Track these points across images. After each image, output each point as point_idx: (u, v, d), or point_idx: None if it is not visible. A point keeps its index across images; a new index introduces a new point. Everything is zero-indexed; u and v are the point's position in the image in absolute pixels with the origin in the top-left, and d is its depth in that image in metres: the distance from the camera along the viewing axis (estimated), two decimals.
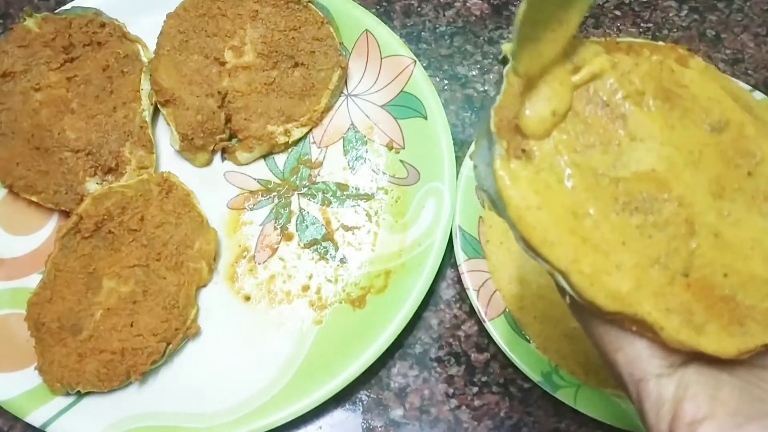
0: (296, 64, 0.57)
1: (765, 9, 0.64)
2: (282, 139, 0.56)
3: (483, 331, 0.51)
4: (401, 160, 0.56)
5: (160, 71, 0.55)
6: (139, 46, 0.58)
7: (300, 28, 0.57)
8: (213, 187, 0.56)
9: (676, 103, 0.30)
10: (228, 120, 0.56)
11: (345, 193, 0.56)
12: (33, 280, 0.52)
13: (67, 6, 0.59)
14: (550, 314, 0.50)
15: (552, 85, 0.29)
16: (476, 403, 0.50)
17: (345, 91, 0.59)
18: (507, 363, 0.50)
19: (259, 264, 0.53)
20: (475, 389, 0.50)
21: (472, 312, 0.52)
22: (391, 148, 0.56)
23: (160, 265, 0.51)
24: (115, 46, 0.57)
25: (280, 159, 0.57)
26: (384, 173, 0.56)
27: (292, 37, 0.57)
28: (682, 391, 0.27)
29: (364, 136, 0.57)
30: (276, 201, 0.56)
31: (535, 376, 0.48)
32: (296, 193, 0.56)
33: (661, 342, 0.27)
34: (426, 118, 0.56)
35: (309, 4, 0.58)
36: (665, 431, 0.27)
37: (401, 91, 0.57)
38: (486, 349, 0.51)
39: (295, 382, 0.49)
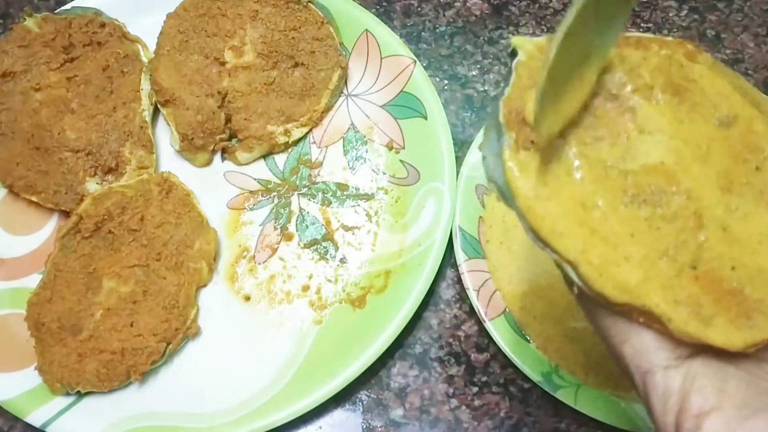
0: (296, 64, 0.57)
1: (765, 9, 0.64)
2: (282, 139, 0.56)
3: (483, 331, 0.51)
4: (401, 160, 0.56)
5: (160, 71, 0.55)
6: (139, 46, 0.58)
7: (300, 28, 0.57)
8: (213, 187, 0.56)
9: (684, 98, 0.30)
10: (228, 120, 0.56)
11: (345, 193, 0.56)
12: (33, 280, 0.52)
13: (67, 6, 0.59)
14: (550, 314, 0.50)
15: None
16: (476, 403, 0.50)
17: (345, 91, 0.59)
18: (507, 363, 0.50)
19: (259, 264, 0.53)
20: (475, 389, 0.50)
21: (472, 312, 0.52)
22: (391, 148, 0.56)
23: (160, 265, 0.51)
24: (115, 46, 0.57)
25: (280, 159, 0.57)
26: (384, 173, 0.56)
27: (292, 37, 0.57)
28: (689, 384, 0.27)
29: (364, 136, 0.57)
30: (276, 201, 0.56)
31: (535, 376, 0.48)
32: (296, 193, 0.56)
33: (669, 334, 0.27)
34: (426, 118, 0.56)
35: (309, 4, 0.58)
36: (672, 423, 0.27)
37: (401, 91, 0.57)
38: (486, 349, 0.51)
39: (295, 382, 0.49)
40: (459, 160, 0.54)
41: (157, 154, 0.57)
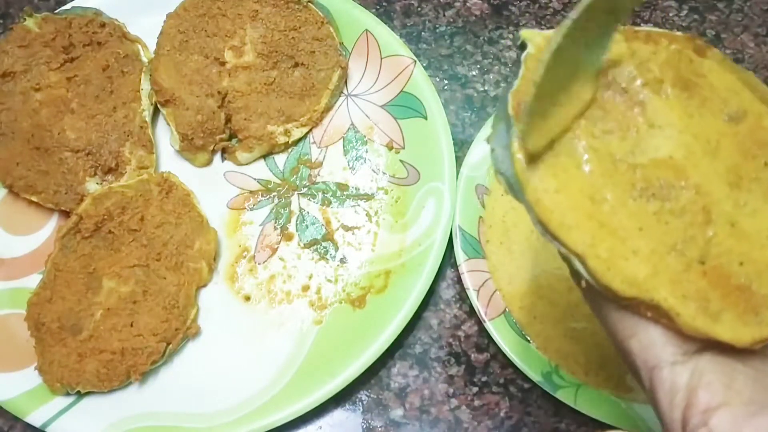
0: (296, 64, 0.57)
1: (765, 9, 0.64)
2: (282, 139, 0.56)
3: (483, 331, 0.51)
4: (401, 160, 0.56)
5: (160, 71, 0.55)
6: (139, 46, 0.58)
7: (300, 28, 0.57)
8: (213, 187, 0.56)
9: (694, 92, 0.30)
10: (228, 120, 0.56)
11: (345, 193, 0.56)
12: (33, 280, 0.52)
13: (67, 6, 0.59)
14: (550, 314, 0.50)
15: None
16: (476, 403, 0.50)
17: (345, 91, 0.59)
18: (507, 363, 0.50)
19: (259, 264, 0.53)
20: (475, 389, 0.50)
21: (472, 312, 0.52)
22: (391, 148, 0.56)
23: (160, 265, 0.51)
24: (115, 46, 0.57)
25: (280, 159, 0.57)
26: (384, 173, 0.56)
27: (292, 37, 0.57)
28: (696, 379, 0.27)
29: (364, 136, 0.57)
30: (276, 201, 0.56)
31: (535, 376, 0.48)
32: (296, 193, 0.56)
33: (676, 329, 0.27)
34: (426, 118, 0.55)
35: (309, 4, 0.58)
36: (679, 419, 0.26)
37: (401, 91, 0.57)
38: (486, 349, 0.51)
39: (295, 382, 0.49)
40: (459, 160, 0.54)
41: (157, 154, 0.57)
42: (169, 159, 0.57)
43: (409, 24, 0.63)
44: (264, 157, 0.57)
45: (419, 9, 0.64)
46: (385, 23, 0.59)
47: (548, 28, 0.63)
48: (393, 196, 0.55)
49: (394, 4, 0.64)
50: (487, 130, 0.55)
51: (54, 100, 0.55)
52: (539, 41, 0.30)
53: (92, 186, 0.53)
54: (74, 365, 0.48)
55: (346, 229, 0.54)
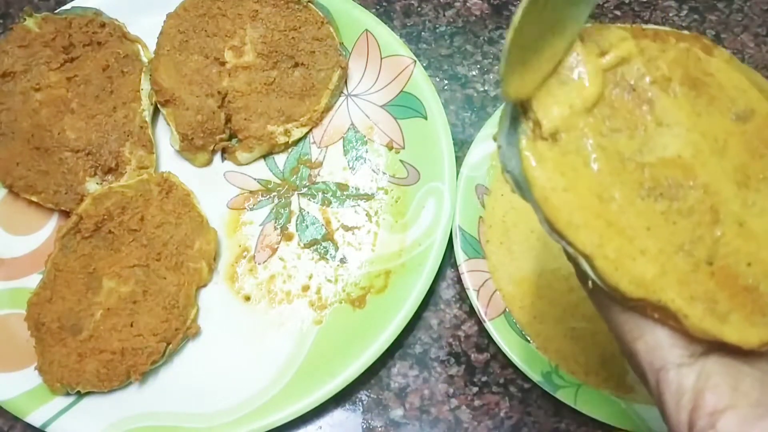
0: (296, 64, 0.57)
1: (765, 9, 0.64)
2: (282, 139, 0.56)
3: (483, 331, 0.51)
4: (401, 160, 0.56)
5: (160, 71, 0.55)
6: (139, 46, 0.58)
7: (300, 28, 0.57)
8: (213, 187, 0.56)
9: (702, 91, 0.30)
10: (228, 120, 0.56)
11: (345, 193, 0.56)
12: (33, 280, 0.52)
13: (67, 6, 0.59)
14: (550, 314, 0.50)
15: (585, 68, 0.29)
16: (476, 403, 0.50)
17: (345, 91, 0.59)
18: (507, 363, 0.50)
19: (259, 264, 0.53)
20: (475, 389, 0.50)
21: (472, 312, 0.52)
22: (391, 148, 0.56)
23: (160, 265, 0.51)
24: (115, 46, 0.57)
25: (280, 159, 0.57)
26: (384, 173, 0.56)
27: (292, 37, 0.57)
28: (703, 381, 0.26)
29: (364, 136, 0.57)
30: (276, 201, 0.56)
31: (535, 376, 0.48)
32: (296, 193, 0.56)
33: (683, 330, 0.27)
34: (426, 118, 0.55)
35: (309, 4, 0.58)
36: (685, 421, 0.26)
37: (401, 91, 0.57)
38: (486, 349, 0.51)
39: (295, 382, 0.49)
40: (459, 160, 0.54)
41: (157, 154, 0.57)
42: (169, 159, 0.57)
43: (409, 24, 0.63)
44: (264, 157, 0.57)
45: (419, 9, 0.64)
46: (385, 23, 0.59)
47: None
48: (393, 196, 0.55)
49: (394, 4, 0.64)
50: (487, 130, 0.55)
51: (54, 100, 0.55)
52: None
53: (92, 186, 0.53)
54: (74, 365, 0.48)
55: (346, 229, 0.54)
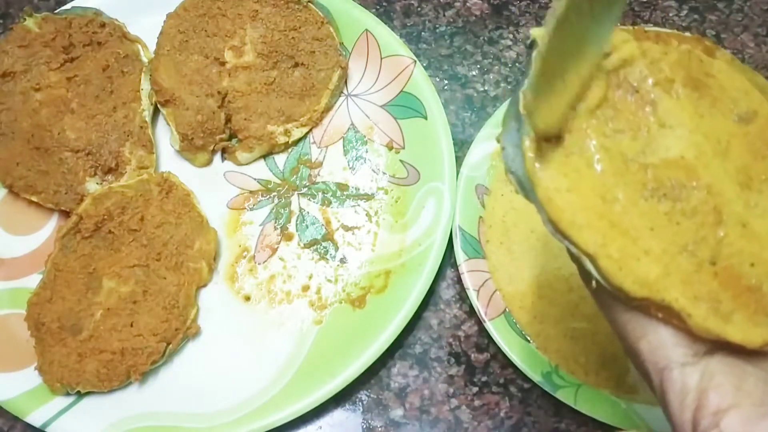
0: (296, 64, 0.57)
1: (765, 9, 0.64)
2: (282, 139, 0.56)
3: (483, 331, 0.51)
4: (401, 160, 0.56)
5: (160, 71, 0.55)
6: (139, 46, 0.58)
7: (300, 28, 0.57)
8: (213, 187, 0.56)
9: (704, 93, 0.30)
10: (228, 120, 0.56)
11: (345, 193, 0.56)
12: (33, 280, 0.52)
13: (67, 6, 0.59)
14: (550, 314, 0.50)
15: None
16: (476, 403, 0.50)
17: (345, 91, 0.59)
18: (507, 363, 0.50)
19: (259, 264, 0.53)
20: (475, 389, 0.50)
21: (472, 312, 0.52)
22: (391, 148, 0.56)
23: (160, 265, 0.51)
24: (115, 46, 0.57)
25: (280, 159, 0.57)
26: (384, 173, 0.56)
27: (292, 37, 0.57)
28: (706, 381, 0.26)
29: (364, 136, 0.57)
30: (276, 201, 0.56)
31: (535, 376, 0.48)
32: (296, 193, 0.56)
33: (687, 330, 0.27)
34: (426, 118, 0.55)
35: (309, 4, 0.58)
36: (689, 420, 0.26)
37: (401, 91, 0.57)
38: (486, 349, 0.51)
39: (295, 382, 0.49)
40: (459, 160, 0.54)
41: (157, 154, 0.57)
42: (169, 159, 0.57)
43: (409, 24, 0.63)
44: (264, 157, 0.57)
45: (419, 9, 0.64)
46: (385, 23, 0.59)
47: None
48: (393, 196, 0.55)
49: (394, 4, 0.64)
50: (487, 130, 0.55)
51: (54, 100, 0.55)
52: None
53: (92, 186, 0.53)
54: (74, 365, 0.48)
55: (346, 229, 0.54)
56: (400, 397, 0.50)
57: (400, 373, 0.51)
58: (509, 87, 0.60)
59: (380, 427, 0.49)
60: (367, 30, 0.58)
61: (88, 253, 0.51)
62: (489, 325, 0.49)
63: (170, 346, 0.49)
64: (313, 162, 0.57)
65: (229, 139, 0.57)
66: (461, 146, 0.57)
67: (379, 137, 0.57)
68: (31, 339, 0.49)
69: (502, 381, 0.50)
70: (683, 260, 0.28)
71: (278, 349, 0.51)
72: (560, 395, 0.47)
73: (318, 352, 0.50)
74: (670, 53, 0.30)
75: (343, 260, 0.53)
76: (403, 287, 0.51)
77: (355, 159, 0.57)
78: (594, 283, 0.29)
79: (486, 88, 0.60)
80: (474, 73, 0.61)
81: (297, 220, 0.55)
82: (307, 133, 0.57)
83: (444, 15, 0.64)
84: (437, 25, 0.63)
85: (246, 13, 0.57)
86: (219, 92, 0.56)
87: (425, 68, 0.59)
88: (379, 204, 0.55)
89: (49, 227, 0.54)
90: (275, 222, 0.55)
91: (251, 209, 0.55)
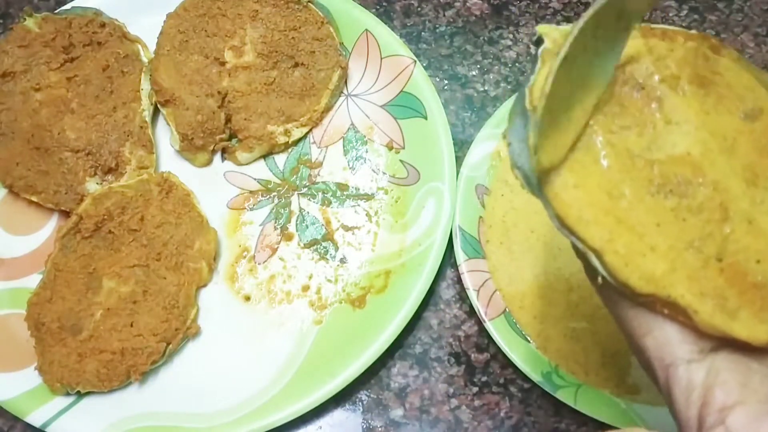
0: (296, 64, 0.57)
1: (765, 9, 0.64)
2: (282, 139, 0.56)
3: (483, 331, 0.51)
4: (401, 160, 0.56)
5: (160, 71, 0.55)
6: (139, 46, 0.58)
7: (300, 28, 0.57)
8: (213, 187, 0.56)
9: (710, 90, 0.30)
10: (228, 120, 0.56)
11: (345, 193, 0.56)
12: (33, 280, 0.52)
13: (67, 6, 0.59)
14: (550, 314, 0.50)
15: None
16: (476, 403, 0.50)
17: (345, 91, 0.59)
18: (507, 363, 0.50)
19: (259, 264, 0.53)
20: (475, 389, 0.50)
21: (472, 312, 0.52)
22: (391, 148, 0.56)
23: (160, 265, 0.51)
24: (115, 46, 0.57)
25: (280, 159, 0.57)
26: (384, 173, 0.56)
27: (292, 37, 0.57)
28: (712, 378, 0.26)
29: (364, 136, 0.57)
30: (276, 201, 0.56)
31: (535, 376, 0.48)
32: (296, 193, 0.56)
33: (693, 326, 0.27)
34: (426, 118, 0.56)
35: (309, 4, 0.58)
36: (695, 417, 0.26)
37: (401, 91, 0.57)
38: (486, 349, 0.51)
39: (295, 382, 0.49)
40: (459, 160, 0.54)
41: (157, 154, 0.57)
42: (169, 159, 0.57)
43: (409, 24, 0.63)
44: (264, 157, 0.57)
45: (419, 9, 0.64)
46: (385, 23, 0.59)
47: None
48: (393, 196, 0.55)
49: (394, 4, 0.64)
50: (487, 130, 0.55)
51: (54, 100, 0.55)
52: (556, 36, 0.30)
53: (92, 186, 0.53)
54: (74, 365, 0.48)
55: (346, 229, 0.54)
56: (400, 397, 0.50)
57: (400, 373, 0.51)
58: (509, 87, 0.60)
59: (380, 427, 0.49)
60: (367, 30, 0.58)
61: (88, 253, 0.51)
62: (489, 325, 0.49)
63: (170, 346, 0.49)
64: (313, 162, 0.57)
65: (229, 139, 0.57)
66: (461, 146, 0.57)
67: (379, 137, 0.57)
68: (31, 339, 0.49)
69: (502, 381, 0.50)
70: (689, 256, 0.28)
71: (278, 349, 0.51)
72: (560, 395, 0.47)
73: (318, 352, 0.50)
74: (676, 50, 0.30)
75: (343, 260, 0.53)
76: (403, 287, 0.51)
77: (355, 159, 0.57)
78: (600, 279, 0.29)
79: (486, 88, 0.60)
80: (474, 73, 0.61)
81: (297, 220, 0.55)
82: (307, 133, 0.57)
83: (444, 15, 0.64)
84: (437, 25, 0.63)
85: (246, 13, 0.57)
86: (219, 92, 0.56)
87: (425, 68, 0.59)
88: (379, 204, 0.55)
89: (49, 227, 0.54)
90: (275, 222, 0.55)
91: (251, 209, 0.55)
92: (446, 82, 0.61)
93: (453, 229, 0.52)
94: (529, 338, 0.50)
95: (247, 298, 0.52)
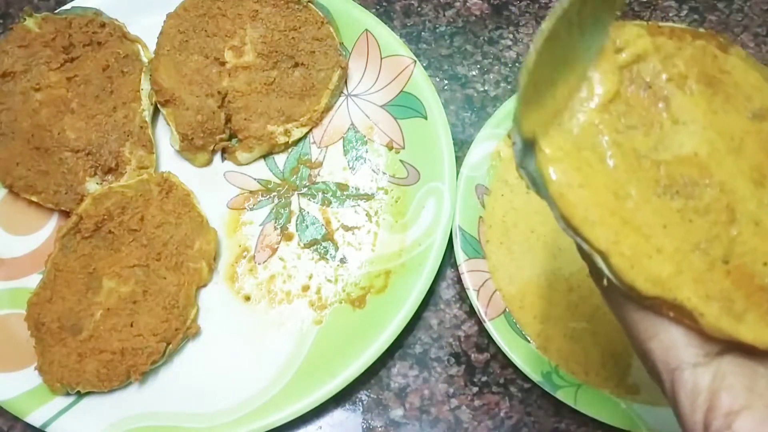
0: (296, 64, 0.57)
1: (765, 9, 0.64)
2: (282, 139, 0.56)
3: (483, 331, 0.51)
4: (401, 160, 0.56)
5: (160, 71, 0.55)
6: (139, 46, 0.58)
7: (300, 28, 0.57)
8: (213, 187, 0.56)
9: (718, 89, 0.30)
10: (228, 120, 0.56)
11: (345, 193, 0.56)
12: (33, 280, 0.52)
13: (67, 6, 0.59)
14: (550, 314, 0.50)
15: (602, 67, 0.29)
16: (476, 403, 0.50)
17: (345, 91, 0.59)
18: (507, 363, 0.50)
19: (259, 264, 0.53)
20: (475, 389, 0.50)
21: (472, 312, 0.52)
22: (391, 148, 0.56)
23: (160, 265, 0.51)
24: (115, 46, 0.57)
25: (280, 159, 0.57)
26: (384, 173, 0.56)
27: (292, 37, 0.57)
28: (718, 382, 0.26)
29: (364, 136, 0.57)
30: (276, 201, 0.56)
31: (535, 376, 0.48)
32: (296, 193, 0.56)
33: (699, 330, 0.27)
34: (426, 118, 0.56)
35: (309, 4, 0.58)
36: (700, 422, 0.26)
37: (401, 91, 0.57)
38: (486, 349, 0.51)
39: (295, 382, 0.49)
40: (459, 160, 0.54)
41: (157, 154, 0.57)
42: (169, 159, 0.57)
43: (409, 24, 0.63)
44: (264, 157, 0.57)
45: (419, 9, 0.64)
46: (385, 23, 0.59)
47: None
48: (393, 196, 0.55)
49: (394, 4, 0.64)
50: (487, 130, 0.55)
51: (54, 100, 0.55)
52: None
53: (92, 186, 0.53)
54: (74, 365, 0.48)
55: (346, 229, 0.54)
56: (400, 397, 0.50)
57: (400, 373, 0.51)
58: (509, 87, 0.60)
59: (380, 427, 0.49)
60: (367, 30, 0.58)
61: (88, 253, 0.51)
62: (489, 325, 0.49)
63: (170, 346, 0.49)
64: (313, 162, 0.57)
65: (229, 139, 0.57)
66: (461, 146, 0.57)
67: (379, 137, 0.57)
68: (31, 339, 0.49)
69: (502, 381, 0.50)
70: (696, 258, 0.27)
71: (278, 349, 0.51)
72: (560, 395, 0.47)
73: (318, 352, 0.50)
74: (684, 49, 0.30)
75: (343, 260, 0.53)
76: (403, 287, 0.51)
77: (355, 159, 0.57)
78: (605, 281, 0.28)
79: (486, 88, 0.60)
80: (474, 73, 0.61)
81: (297, 220, 0.55)
82: (307, 133, 0.57)
83: (444, 15, 0.64)
84: (437, 25, 0.63)
85: (246, 13, 0.57)
86: (219, 92, 0.56)
87: (425, 68, 0.59)
88: (379, 204, 0.55)
89: (49, 227, 0.54)
90: (275, 222, 0.55)
91: (251, 209, 0.55)
92: (446, 82, 0.61)
93: (453, 229, 0.52)
94: (529, 338, 0.50)
95: (247, 298, 0.52)
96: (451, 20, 0.63)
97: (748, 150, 0.29)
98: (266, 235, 0.54)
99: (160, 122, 0.58)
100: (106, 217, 0.51)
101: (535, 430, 0.49)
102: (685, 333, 0.27)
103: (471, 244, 0.51)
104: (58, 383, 0.47)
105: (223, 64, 0.57)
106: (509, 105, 0.55)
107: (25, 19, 0.56)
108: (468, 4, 0.64)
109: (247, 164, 0.57)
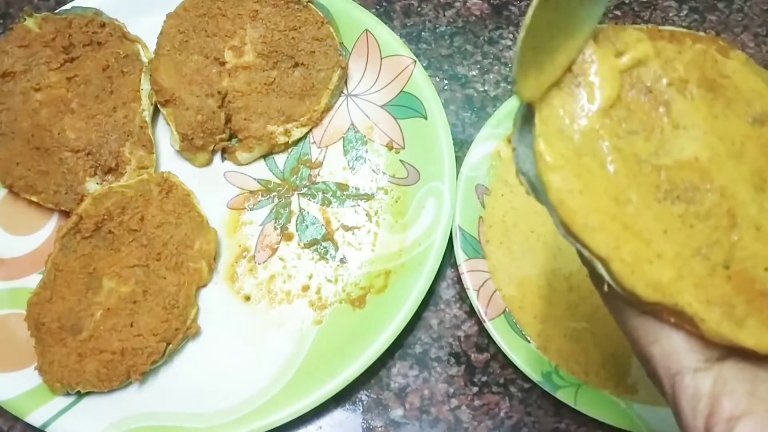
0: (296, 64, 0.57)
1: (765, 9, 0.64)
2: (282, 139, 0.56)
3: (483, 331, 0.51)
4: (401, 160, 0.56)
5: (160, 71, 0.55)
6: (139, 46, 0.58)
7: (300, 28, 0.57)
8: (213, 187, 0.56)
9: (719, 93, 0.30)
10: (228, 120, 0.56)
11: (345, 193, 0.56)
12: (33, 280, 0.52)
13: (67, 6, 0.59)
14: (550, 314, 0.50)
15: (602, 71, 0.29)
16: (476, 403, 0.50)
17: (345, 91, 0.59)
18: (507, 363, 0.50)
19: (259, 264, 0.53)
20: (475, 389, 0.50)
21: (472, 312, 0.52)
22: (391, 148, 0.56)
23: (160, 265, 0.51)
24: (115, 46, 0.57)
25: (280, 159, 0.57)
26: (384, 173, 0.56)
27: (292, 37, 0.57)
28: (719, 387, 0.26)
29: (364, 136, 0.57)
30: (276, 201, 0.56)
31: (535, 376, 0.48)
32: (296, 193, 0.56)
33: (700, 335, 0.27)
34: (426, 118, 0.56)
35: (309, 4, 0.58)
36: (702, 427, 0.26)
37: (401, 91, 0.57)
38: (486, 349, 0.51)
39: (295, 382, 0.49)
40: (459, 160, 0.54)
41: (157, 154, 0.57)
42: (169, 159, 0.57)
43: (409, 24, 0.63)
44: (264, 157, 0.57)
45: (419, 9, 0.64)
46: (385, 23, 0.59)
47: None
48: (393, 196, 0.55)
49: (394, 4, 0.64)
50: (487, 130, 0.55)
51: (54, 100, 0.55)
52: None
53: (92, 186, 0.53)
54: (74, 365, 0.48)
55: (346, 229, 0.54)
56: (400, 397, 0.50)
57: (400, 373, 0.51)
58: (509, 87, 0.60)
59: (380, 427, 0.49)
60: (367, 30, 0.58)
61: (88, 253, 0.51)
62: (489, 325, 0.49)
63: (170, 346, 0.49)
64: (313, 162, 0.57)
65: (229, 139, 0.57)
66: (461, 146, 0.57)
67: (379, 137, 0.57)
68: (31, 339, 0.49)
69: (502, 381, 0.50)
70: (696, 264, 0.27)
71: (278, 349, 0.51)
72: (560, 395, 0.47)
73: (318, 352, 0.50)
74: (684, 53, 0.30)
75: (343, 260, 0.53)
76: (403, 287, 0.51)
77: (355, 159, 0.57)
78: (606, 286, 0.28)
79: (486, 88, 0.60)
80: (474, 73, 0.61)
81: (297, 220, 0.55)
82: (307, 133, 0.57)
83: (444, 15, 0.64)
84: (437, 25, 0.63)
85: (246, 13, 0.57)
86: (219, 92, 0.56)
87: (425, 68, 0.59)
88: (379, 204, 0.55)
89: (49, 227, 0.54)
90: (275, 222, 0.55)
91: (251, 209, 0.55)
92: (446, 82, 0.61)
93: (453, 229, 0.52)
94: (529, 338, 0.50)
95: (247, 298, 0.52)
96: (451, 20, 0.63)
97: (749, 155, 0.29)
98: (266, 235, 0.54)
99: (160, 122, 0.58)
100: (106, 217, 0.51)
101: (535, 430, 0.49)
102: (686, 338, 0.27)
103: (471, 244, 0.51)
104: (58, 383, 0.47)
105: (223, 64, 0.57)
106: (509, 105, 0.55)
107: (25, 19, 0.56)
108: (468, 4, 0.64)
109: (247, 164, 0.57)
